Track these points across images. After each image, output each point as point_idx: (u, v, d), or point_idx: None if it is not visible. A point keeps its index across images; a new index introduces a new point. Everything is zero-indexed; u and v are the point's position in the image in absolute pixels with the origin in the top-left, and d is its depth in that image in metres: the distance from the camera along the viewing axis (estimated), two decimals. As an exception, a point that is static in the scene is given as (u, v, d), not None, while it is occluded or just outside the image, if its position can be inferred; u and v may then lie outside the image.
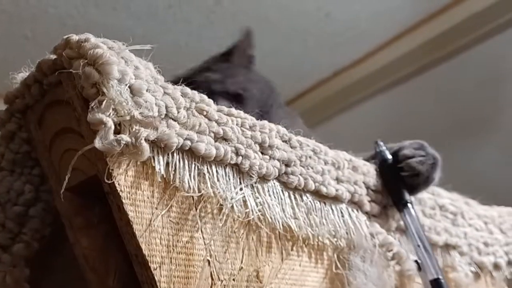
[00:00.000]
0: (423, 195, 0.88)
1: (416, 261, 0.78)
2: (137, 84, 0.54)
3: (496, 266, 0.98)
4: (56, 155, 0.60)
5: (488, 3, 2.06)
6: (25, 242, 0.63)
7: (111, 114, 0.52)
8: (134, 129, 0.53)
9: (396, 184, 0.83)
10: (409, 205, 0.81)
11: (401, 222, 0.82)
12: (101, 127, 0.51)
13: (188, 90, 0.62)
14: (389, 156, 0.85)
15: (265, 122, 0.70)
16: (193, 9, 2.14)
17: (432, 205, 0.89)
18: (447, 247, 0.89)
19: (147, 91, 0.55)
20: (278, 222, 0.66)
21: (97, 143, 0.50)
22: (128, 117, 0.52)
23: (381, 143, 0.87)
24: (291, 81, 2.47)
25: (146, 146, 0.53)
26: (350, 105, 2.49)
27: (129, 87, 0.54)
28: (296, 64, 2.37)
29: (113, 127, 0.51)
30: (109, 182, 0.53)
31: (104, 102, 0.51)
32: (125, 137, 0.52)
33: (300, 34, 2.25)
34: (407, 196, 0.82)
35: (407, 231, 0.80)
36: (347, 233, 0.74)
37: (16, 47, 2.25)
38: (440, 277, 0.76)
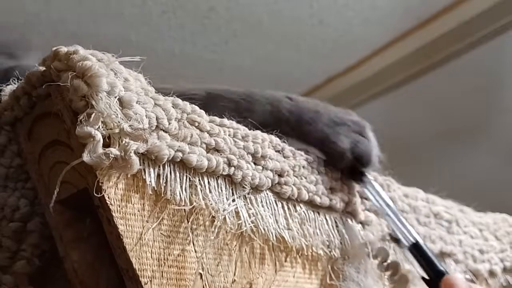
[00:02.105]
0: (418, 203, 0.88)
1: (390, 234, 0.76)
2: (126, 96, 0.54)
3: (492, 273, 0.97)
4: (46, 168, 0.59)
5: (477, 12, 2.07)
6: (25, 259, 0.61)
7: (100, 127, 0.51)
8: (123, 142, 0.52)
9: None
10: (366, 174, 0.77)
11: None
12: (89, 141, 0.50)
13: (179, 101, 0.61)
14: None
15: (258, 132, 0.69)
16: (187, 15, 2.13)
17: (427, 213, 0.89)
18: (442, 255, 0.89)
19: (137, 103, 0.55)
20: (271, 233, 0.66)
21: (86, 157, 0.50)
22: (117, 130, 0.52)
23: None
24: (284, 87, 2.45)
25: (135, 159, 0.52)
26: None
27: (118, 99, 0.53)
28: (289, 70, 2.38)
29: (101, 140, 0.51)
30: (99, 195, 0.53)
31: (93, 115, 0.51)
32: (114, 151, 0.51)
33: (293, 41, 2.25)
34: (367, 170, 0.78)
35: (372, 202, 0.77)
36: (341, 243, 0.74)
37: (8, 54, 2.24)
38: (418, 239, 0.72)
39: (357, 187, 0.78)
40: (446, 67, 2.24)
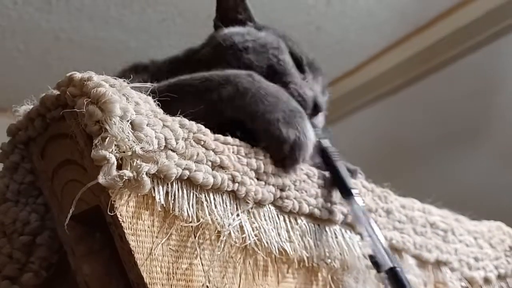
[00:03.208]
0: (414, 213, 0.91)
1: (370, 256, 0.73)
2: (137, 120, 0.57)
3: (487, 281, 1.00)
4: (59, 185, 0.62)
5: (474, 17, 2.10)
6: (33, 271, 0.64)
7: (114, 150, 0.54)
8: (135, 164, 0.55)
9: (339, 172, 0.79)
10: (354, 193, 0.77)
11: (394, 241, 0.84)
12: (104, 163, 0.53)
13: (186, 121, 0.64)
14: (328, 144, 0.82)
15: (260, 148, 0.72)
16: (186, 23, 2.16)
17: (423, 223, 0.91)
18: (438, 263, 0.91)
19: (147, 125, 0.57)
20: (274, 246, 0.68)
21: (101, 179, 0.53)
22: (130, 153, 0.55)
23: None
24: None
25: (147, 180, 0.55)
26: (340, 116, 2.52)
27: (130, 123, 0.56)
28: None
29: (115, 163, 0.54)
30: (112, 213, 0.55)
31: (107, 139, 0.54)
32: (127, 173, 0.54)
33: (291, 47, 2.27)
34: (352, 184, 0.79)
35: (356, 222, 0.77)
36: (340, 254, 0.76)
37: (8, 60, 2.27)
38: (396, 265, 0.71)
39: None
40: (443, 72, 2.27)
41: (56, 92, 0.59)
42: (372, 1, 2.11)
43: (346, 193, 0.77)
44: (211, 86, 0.73)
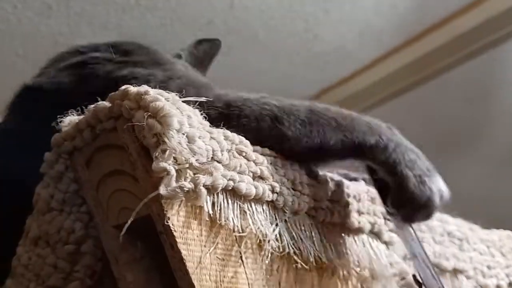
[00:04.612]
0: (433, 222, 0.93)
1: (414, 275, 0.77)
2: (191, 133, 0.58)
3: (499, 288, 1.03)
4: (105, 195, 0.63)
5: (470, 26, 2.14)
6: (78, 280, 0.65)
7: (171, 162, 0.56)
8: (192, 176, 0.57)
9: None
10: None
11: (416, 250, 0.86)
12: (164, 175, 0.55)
13: (228, 133, 0.65)
14: None
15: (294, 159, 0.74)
16: (184, 28, 2.17)
17: (441, 232, 0.94)
18: (455, 271, 0.94)
19: (199, 138, 0.59)
20: (310, 254, 0.70)
21: (162, 190, 0.54)
22: (187, 165, 0.56)
23: None
24: (279, 99, 2.51)
25: (204, 192, 0.57)
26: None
27: (186, 136, 0.57)
28: (284, 83, 2.42)
29: (175, 175, 0.55)
30: (165, 223, 0.57)
31: (167, 152, 0.55)
32: (187, 184, 0.56)
33: (288, 54, 2.30)
34: None
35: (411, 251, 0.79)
36: (369, 263, 0.79)
37: (7, 64, 2.27)
38: None
39: (382, 208, 0.82)
40: (439, 80, 2.31)
41: (108, 104, 0.61)
42: (369, 10, 2.14)
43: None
44: (354, 129, 0.78)
